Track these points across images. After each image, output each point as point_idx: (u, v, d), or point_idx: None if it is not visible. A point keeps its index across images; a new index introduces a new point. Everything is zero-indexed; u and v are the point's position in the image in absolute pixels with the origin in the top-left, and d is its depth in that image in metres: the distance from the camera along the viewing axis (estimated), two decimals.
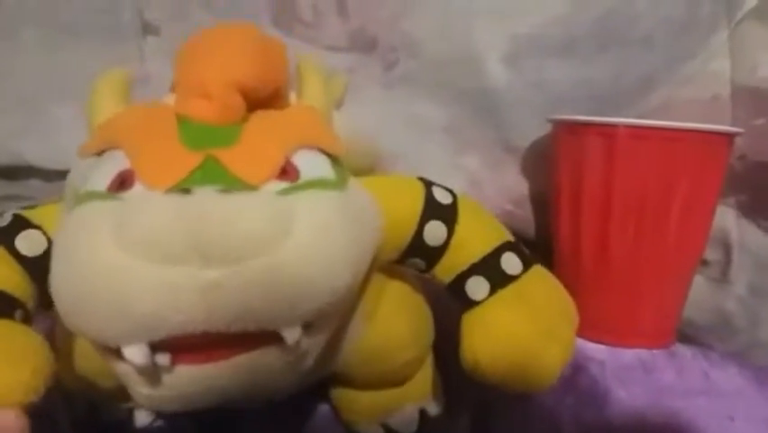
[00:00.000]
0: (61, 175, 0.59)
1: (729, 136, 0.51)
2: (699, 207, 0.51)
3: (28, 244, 0.35)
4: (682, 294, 0.54)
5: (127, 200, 0.31)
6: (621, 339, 0.52)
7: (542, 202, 0.60)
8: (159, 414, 0.47)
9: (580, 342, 0.52)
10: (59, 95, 0.59)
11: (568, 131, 0.53)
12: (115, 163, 0.33)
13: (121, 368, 0.31)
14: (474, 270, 0.39)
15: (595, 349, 0.51)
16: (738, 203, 0.59)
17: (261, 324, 0.30)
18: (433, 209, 0.39)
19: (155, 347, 0.30)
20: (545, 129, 0.57)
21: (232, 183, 0.31)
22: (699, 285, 0.59)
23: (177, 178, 0.31)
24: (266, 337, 0.31)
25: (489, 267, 0.39)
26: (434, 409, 0.48)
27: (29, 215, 0.37)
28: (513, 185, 0.61)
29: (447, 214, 0.39)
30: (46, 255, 0.34)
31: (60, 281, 0.30)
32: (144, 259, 0.28)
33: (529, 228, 0.61)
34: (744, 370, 0.50)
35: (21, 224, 0.36)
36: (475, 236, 0.40)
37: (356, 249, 0.33)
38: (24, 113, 0.59)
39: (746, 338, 0.58)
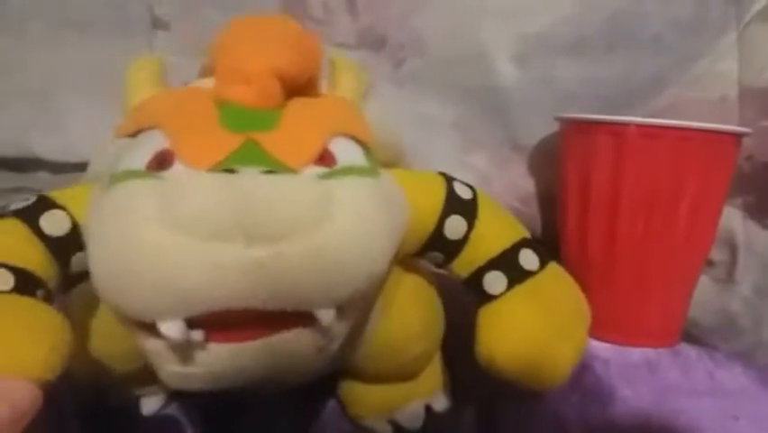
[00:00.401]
0: (68, 167, 0.60)
1: (738, 136, 0.51)
2: (707, 206, 0.51)
3: (52, 223, 0.35)
4: (688, 294, 0.54)
5: (168, 179, 0.31)
6: (627, 338, 0.52)
7: (549, 200, 0.60)
8: (166, 403, 0.47)
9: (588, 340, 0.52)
10: (66, 88, 0.59)
11: (576, 129, 0.53)
12: (153, 143, 0.34)
13: (152, 345, 0.32)
14: (492, 264, 0.40)
15: (600, 348, 0.51)
16: (745, 204, 0.59)
17: (298, 304, 0.31)
18: (453, 204, 0.39)
19: (191, 324, 0.30)
20: (553, 127, 0.57)
21: (272, 166, 0.32)
22: (705, 285, 0.59)
23: (217, 158, 0.32)
24: (300, 318, 0.32)
25: (507, 262, 0.40)
26: (440, 404, 0.48)
27: (54, 195, 0.37)
28: (520, 183, 0.62)
29: (467, 209, 0.40)
30: (70, 236, 0.35)
31: (101, 258, 0.31)
32: (190, 235, 0.29)
33: (536, 226, 0.61)
34: (748, 370, 0.50)
35: (45, 204, 0.36)
36: (494, 232, 0.41)
37: (390, 236, 0.34)
38: (32, 106, 0.59)
39: (751, 339, 0.58)
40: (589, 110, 0.53)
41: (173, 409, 0.49)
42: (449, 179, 0.41)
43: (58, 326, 0.33)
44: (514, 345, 0.38)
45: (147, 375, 0.43)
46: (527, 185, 0.62)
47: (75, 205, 0.36)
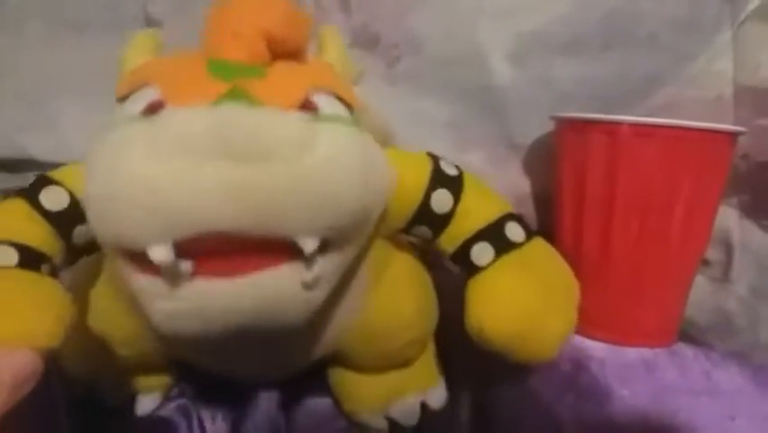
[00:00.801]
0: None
1: (733, 135, 0.51)
2: (702, 205, 0.51)
3: (51, 199, 0.37)
4: (684, 293, 0.54)
5: (158, 118, 0.32)
6: (623, 337, 0.52)
7: (545, 199, 0.60)
8: (161, 404, 0.48)
9: (582, 340, 0.52)
10: (62, 89, 0.59)
11: (571, 128, 0.53)
12: (146, 96, 0.35)
13: (141, 282, 0.33)
14: (479, 236, 0.41)
15: (596, 347, 0.51)
16: (740, 203, 0.59)
17: (281, 228, 0.31)
18: (440, 178, 0.41)
19: (179, 252, 0.31)
20: (549, 127, 0.57)
21: (258, 106, 0.33)
22: (701, 285, 0.59)
23: (206, 101, 0.33)
24: (285, 251, 0.32)
25: (493, 234, 0.41)
26: (435, 400, 0.48)
27: (51, 173, 0.39)
28: (516, 182, 0.61)
29: (453, 183, 0.41)
30: (69, 210, 0.37)
31: (93, 189, 0.32)
32: (175, 158, 0.30)
33: (532, 225, 0.61)
34: (744, 369, 0.50)
35: (43, 181, 0.38)
36: (480, 205, 0.42)
37: (371, 177, 0.35)
38: (27, 107, 0.59)
39: (747, 338, 0.58)
40: (585, 109, 0.53)
41: (168, 411, 0.49)
42: (435, 158, 0.42)
43: (61, 297, 0.34)
44: (501, 312, 0.39)
45: (144, 364, 0.44)
46: (523, 184, 0.62)
47: (72, 180, 0.38)
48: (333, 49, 0.44)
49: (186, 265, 0.32)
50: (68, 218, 0.37)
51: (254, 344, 0.40)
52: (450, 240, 0.42)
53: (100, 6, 0.58)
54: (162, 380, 0.49)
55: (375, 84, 0.59)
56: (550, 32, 0.57)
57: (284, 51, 0.37)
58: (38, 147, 0.60)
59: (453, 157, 0.60)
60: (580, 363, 0.50)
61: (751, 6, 0.57)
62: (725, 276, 0.59)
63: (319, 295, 0.36)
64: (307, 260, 0.33)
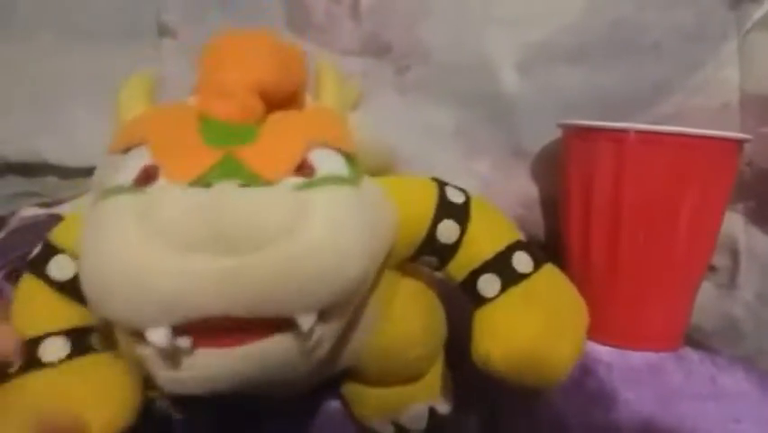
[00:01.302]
0: (77, 172, 0.61)
1: (739, 143, 0.51)
2: (709, 212, 0.51)
3: (60, 270, 0.37)
4: (691, 298, 0.54)
5: (150, 193, 0.32)
6: (629, 342, 0.52)
7: (552, 206, 0.61)
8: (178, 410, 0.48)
9: (588, 344, 0.52)
10: (75, 94, 0.60)
11: (578, 136, 0.53)
12: (141, 159, 0.34)
13: (144, 352, 0.32)
14: (486, 267, 0.40)
15: (603, 352, 0.52)
16: (746, 209, 0.59)
17: (278, 310, 0.31)
18: (446, 208, 0.40)
19: (177, 331, 0.31)
20: (556, 134, 0.57)
21: (250, 178, 0.32)
22: (707, 291, 0.59)
23: (197, 172, 0.32)
24: (282, 324, 0.32)
25: (500, 265, 0.40)
26: (443, 407, 0.49)
27: (51, 240, 0.38)
28: (524, 189, 0.62)
29: (460, 213, 0.41)
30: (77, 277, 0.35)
31: (88, 271, 0.32)
32: (165, 246, 0.29)
33: (539, 232, 0.62)
34: (750, 374, 0.51)
35: (47, 253, 0.38)
36: (487, 235, 0.41)
37: (370, 242, 0.35)
38: (41, 112, 0.60)
39: (753, 344, 0.59)
40: (591, 117, 0.53)
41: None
42: (441, 184, 0.42)
43: (123, 378, 0.35)
44: (508, 346, 0.39)
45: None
46: (531, 191, 0.62)
47: (70, 242, 0.37)
48: (327, 86, 0.43)
49: (184, 342, 0.31)
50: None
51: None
52: (457, 269, 0.41)
53: (113, 15, 0.59)
54: None
55: (384, 92, 0.60)
56: (557, 41, 0.58)
57: (279, 98, 0.37)
58: (51, 151, 0.61)
59: (461, 164, 0.61)
60: (587, 368, 0.51)
61: (757, 15, 0.58)
62: (731, 282, 0.59)
63: (321, 353, 0.36)
64: (305, 333, 0.33)
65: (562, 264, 0.53)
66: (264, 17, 0.60)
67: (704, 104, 0.59)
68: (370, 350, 0.43)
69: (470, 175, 0.61)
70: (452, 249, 0.41)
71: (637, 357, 0.51)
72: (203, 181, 0.32)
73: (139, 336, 0.31)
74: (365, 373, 0.46)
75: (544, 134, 0.59)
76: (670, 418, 0.48)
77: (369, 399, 0.48)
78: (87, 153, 0.58)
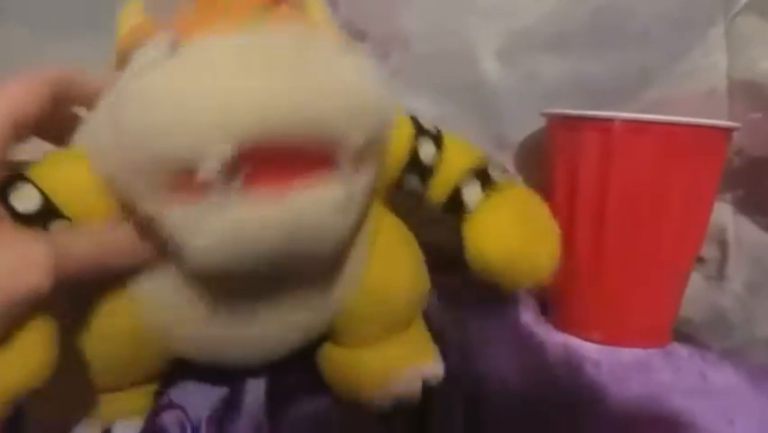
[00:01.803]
0: None
1: (727, 131, 0.50)
2: (697, 202, 0.50)
3: (22, 200, 0.35)
4: (679, 292, 0.53)
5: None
6: (617, 337, 0.51)
7: None
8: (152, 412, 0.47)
9: (576, 342, 0.51)
10: None
11: (563, 125, 0.52)
12: (164, 39, 0.34)
13: (180, 212, 0.32)
14: (467, 178, 0.43)
15: (591, 349, 0.51)
16: (735, 199, 0.58)
17: (327, 130, 0.32)
18: (423, 132, 0.43)
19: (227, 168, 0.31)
20: (540, 124, 0.56)
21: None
22: (696, 282, 0.58)
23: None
24: (325, 162, 0.33)
25: (479, 174, 0.43)
26: (433, 374, 0.48)
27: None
28: None
29: (435, 136, 0.43)
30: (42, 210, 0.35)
31: (133, 111, 0.31)
32: (216, 74, 0.30)
33: None
34: (739, 369, 0.50)
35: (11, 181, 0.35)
36: (462, 153, 0.44)
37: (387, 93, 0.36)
38: None
39: (743, 335, 0.58)
40: (576, 106, 0.52)
41: (162, 421, 0.48)
42: (413, 116, 0.44)
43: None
44: (499, 240, 0.41)
45: (132, 375, 0.43)
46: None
47: (44, 175, 0.36)
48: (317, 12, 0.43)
49: (235, 182, 0.31)
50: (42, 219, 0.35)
51: (272, 295, 0.41)
52: (440, 186, 0.43)
53: (83, 6, 0.58)
54: (143, 400, 0.48)
55: None
56: (539, 28, 0.57)
57: None
58: (32, 150, 0.59)
59: None
60: (574, 366, 0.50)
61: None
62: (720, 273, 0.58)
63: (348, 221, 0.37)
64: (344, 173, 0.34)
65: None
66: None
67: (691, 90, 0.58)
68: (361, 294, 0.44)
69: None
70: (432, 169, 0.43)
71: (625, 354, 0.50)
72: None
73: (182, 185, 0.31)
74: (356, 326, 0.46)
75: (526, 124, 0.58)
76: (659, 414, 0.47)
77: (356, 367, 0.47)
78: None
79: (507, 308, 0.57)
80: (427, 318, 0.49)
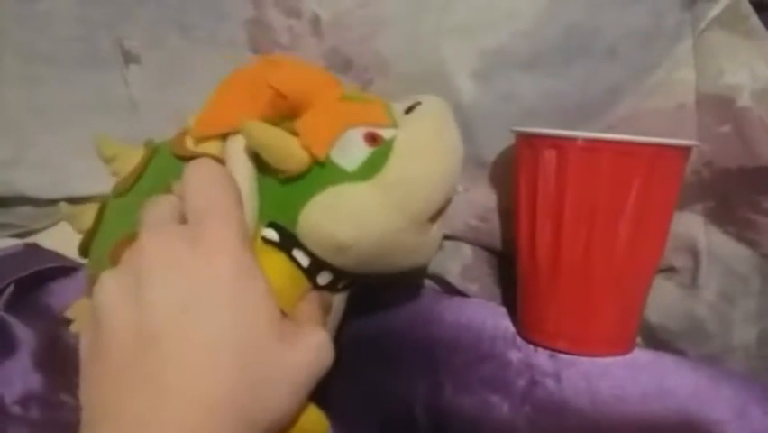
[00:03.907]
0: (52, 202, 0.62)
1: (683, 149, 0.51)
2: (653, 218, 0.51)
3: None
4: (639, 303, 0.54)
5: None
6: (581, 346, 0.53)
7: (510, 214, 0.61)
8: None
9: (535, 353, 0.53)
10: (47, 124, 0.62)
11: (526, 143, 0.54)
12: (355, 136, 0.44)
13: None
14: None
15: (550, 361, 0.52)
16: (705, 209, 0.59)
17: None
18: None
19: None
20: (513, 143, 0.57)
21: None
22: (670, 291, 0.59)
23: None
24: None
25: None
26: None
27: None
28: (485, 199, 0.63)
29: None
30: None
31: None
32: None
33: (496, 241, 0.63)
34: (699, 374, 0.51)
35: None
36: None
37: None
38: (13, 143, 0.62)
39: (720, 342, 0.59)
40: (549, 124, 0.54)
41: None
42: None
43: None
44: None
45: None
46: (491, 200, 0.63)
47: None
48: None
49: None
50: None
51: None
52: None
53: (73, 40, 0.61)
54: None
55: None
56: (511, 48, 0.58)
57: None
58: (26, 183, 0.62)
59: None
60: (534, 379, 0.51)
61: (712, 14, 0.57)
62: (693, 282, 0.59)
63: None
64: None
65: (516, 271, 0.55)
66: (227, 40, 0.61)
67: (660, 105, 0.59)
68: None
69: None
70: None
71: (586, 363, 0.51)
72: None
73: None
74: None
75: (502, 143, 0.60)
76: (619, 422, 0.48)
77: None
78: (63, 183, 0.60)
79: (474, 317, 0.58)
80: None
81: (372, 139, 0.44)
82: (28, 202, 0.63)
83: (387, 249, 0.44)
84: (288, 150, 0.42)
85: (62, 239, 0.54)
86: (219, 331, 0.32)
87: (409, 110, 0.46)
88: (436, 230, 0.47)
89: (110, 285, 0.34)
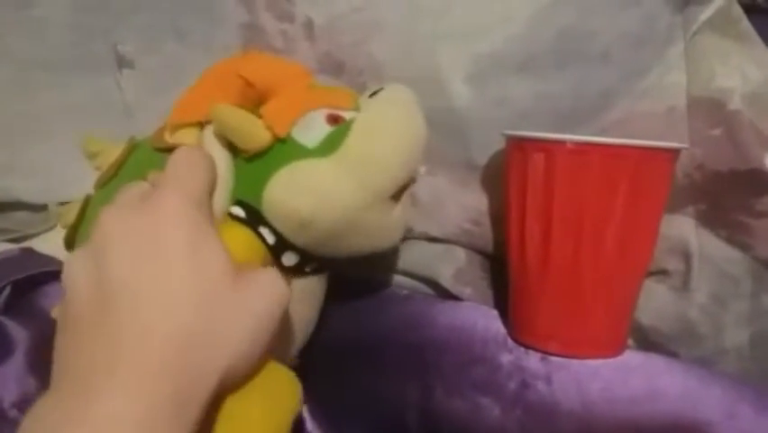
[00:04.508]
0: (47, 208, 0.63)
1: (671, 152, 0.52)
2: (641, 221, 0.52)
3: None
4: (629, 305, 0.55)
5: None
6: (573, 348, 0.53)
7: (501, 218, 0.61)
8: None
9: (526, 356, 0.53)
10: (42, 129, 0.62)
11: (516, 147, 0.54)
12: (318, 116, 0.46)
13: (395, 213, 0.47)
14: None
15: (541, 363, 0.53)
16: (697, 212, 0.59)
17: None
18: None
19: None
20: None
21: None
22: (662, 294, 0.59)
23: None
24: None
25: None
26: None
27: None
28: (478, 203, 0.63)
29: None
30: None
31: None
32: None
33: (488, 245, 0.63)
34: (688, 376, 0.51)
35: None
36: None
37: None
38: (9, 149, 0.62)
39: (712, 345, 0.59)
40: (542, 127, 0.54)
41: None
42: None
43: None
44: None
45: None
46: (483, 204, 0.63)
47: None
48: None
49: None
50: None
51: None
52: None
53: (68, 46, 0.61)
54: None
55: None
56: (504, 52, 0.58)
57: None
58: (22, 189, 0.63)
59: (420, 178, 0.62)
60: (525, 383, 0.52)
61: (703, 17, 0.58)
62: (685, 285, 0.59)
63: None
64: None
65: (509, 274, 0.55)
66: (221, 44, 0.61)
67: (652, 109, 0.59)
68: None
69: (429, 188, 0.62)
70: None
71: (576, 365, 0.52)
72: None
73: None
74: None
75: (496, 147, 0.60)
76: (609, 424, 0.49)
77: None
78: (59, 188, 0.61)
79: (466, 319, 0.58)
80: None
81: (334, 120, 0.45)
82: (24, 207, 0.64)
83: (348, 227, 0.45)
84: (251, 128, 0.44)
85: (58, 244, 0.54)
86: (172, 284, 0.33)
87: (373, 95, 0.49)
88: (399, 211, 0.48)
89: (74, 263, 0.35)
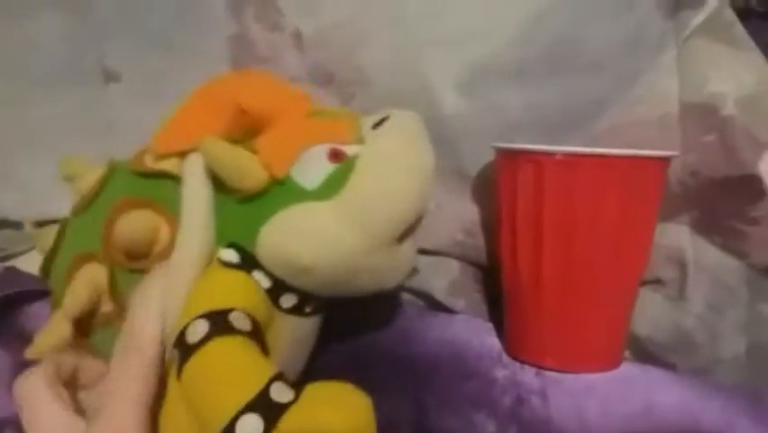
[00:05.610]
0: (33, 225, 0.62)
1: (662, 160, 0.51)
2: (634, 230, 0.51)
3: None
4: (625, 315, 0.54)
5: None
6: (569, 363, 0.52)
7: (494, 229, 0.60)
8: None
9: (521, 372, 0.53)
10: (28, 146, 0.62)
11: (506, 158, 0.53)
12: (319, 152, 0.42)
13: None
14: None
15: (536, 379, 0.52)
16: (692, 220, 0.58)
17: None
18: None
19: None
20: None
21: None
22: (657, 304, 0.59)
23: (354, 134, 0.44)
24: None
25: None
26: None
27: None
28: (471, 214, 0.62)
29: None
30: None
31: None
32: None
33: (481, 255, 0.62)
34: (685, 388, 0.51)
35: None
36: None
37: None
38: None
39: (708, 354, 0.58)
40: (533, 136, 0.54)
41: None
42: None
43: None
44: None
45: None
46: (475, 214, 0.62)
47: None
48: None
49: None
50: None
51: None
52: None
53: (56, 60, 0.61)
54: None
55: None
56: (495, 60, 0.57)
57: None
58: (8, 206, 0.62)
59: None
60: (520, 398, 0.51)
61: (695, 22, 0.57)
62: (680, 294, 0.58)
63: None
64: None
65: (501, 287, 0.55)
66: (209, 56, 0.61)
67: (644, 116, 0.58)
68: None
69: None
70: None
71: (571, 380, 0.51)
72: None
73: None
74: None
75: (486, 157, 0.59)
76: None
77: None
78: (43, 205, 0.60)
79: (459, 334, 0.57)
80: None
81: (335, 156, 0.42)
82: (8, 225, 0.63)
83: (350, 271, 0.42)
84: (246, 168, 0.41)
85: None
86: None
87: (377, 125, 0.44)
88: (407, 250, 0.44)
89: None
